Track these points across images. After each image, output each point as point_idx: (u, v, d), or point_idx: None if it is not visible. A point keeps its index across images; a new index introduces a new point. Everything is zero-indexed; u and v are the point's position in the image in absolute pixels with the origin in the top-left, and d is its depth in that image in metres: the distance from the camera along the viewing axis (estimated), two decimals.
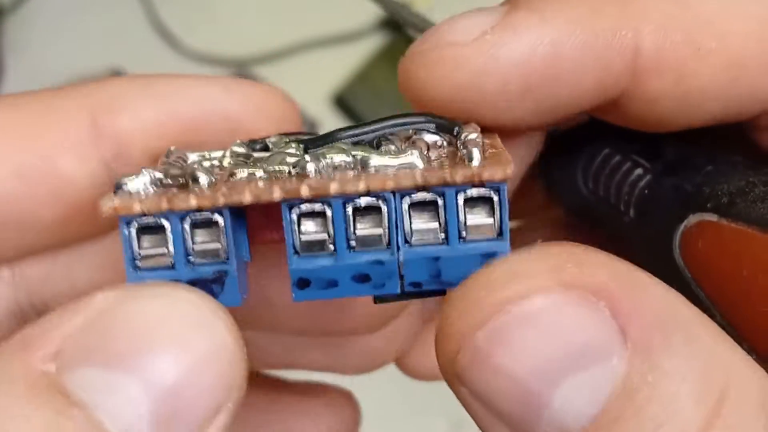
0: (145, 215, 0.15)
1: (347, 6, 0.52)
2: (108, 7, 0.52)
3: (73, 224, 0.18)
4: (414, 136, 0.17)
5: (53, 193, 0.17)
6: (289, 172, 0.16)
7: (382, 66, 0.51)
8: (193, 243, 0.15)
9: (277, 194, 0.15)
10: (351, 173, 0.16)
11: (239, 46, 0.50)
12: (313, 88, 0.50)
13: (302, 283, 0.16)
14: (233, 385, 0.14)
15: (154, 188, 0.15)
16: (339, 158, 0.16)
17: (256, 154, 0.17)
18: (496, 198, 0.15)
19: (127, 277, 0.15)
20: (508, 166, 0.15)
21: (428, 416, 0.44)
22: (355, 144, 0.17)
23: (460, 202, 0.15)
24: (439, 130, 0.17)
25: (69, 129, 0.17)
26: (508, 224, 0.15)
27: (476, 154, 0.15)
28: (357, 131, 0.17)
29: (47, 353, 0.13)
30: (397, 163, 0.16)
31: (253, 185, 0.15)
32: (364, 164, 0.16)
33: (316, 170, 0.16)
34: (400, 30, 0.51)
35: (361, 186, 0.15)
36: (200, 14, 0.52)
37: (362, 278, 0.16)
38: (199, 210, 0.15)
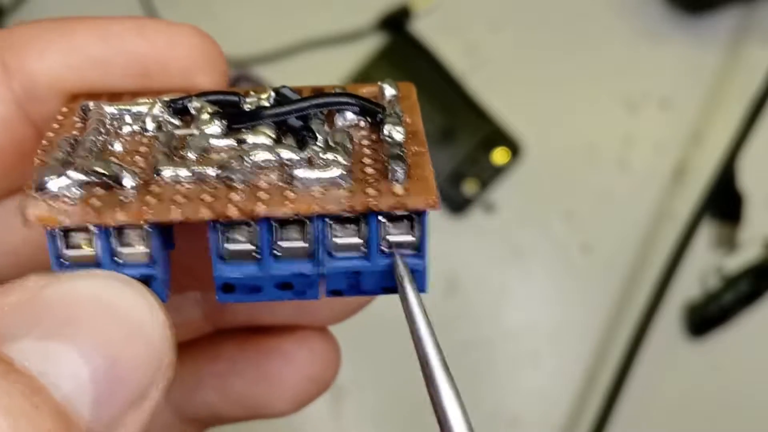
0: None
1: (347, 6, 0.52)
2: (108, 7, 0.52)
3: None
4: (336, 115, 0.17)
5: None
6: (217, 176, 0.16)
7: (382, 66, 0.51)
8: (120, 246, 0.15)
9: (205, 215, 0.15)
10: (275, 176, 0.16)
11: (239, 46, 0.50)
12: None
13: (227, 288, 0.16)
14: (165, 362, 0.14)
15: (78, 191, 0.15)
16: (262, 156, 0.16)
17: (177, 132, 0.17)
18: (417, 218, 0.16)
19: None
20: (432, 195, 0.15)
21: (428, 416, 0.44)
22: (279, 124, 0.17)
23: (382, 219, 0.16)
24: (362, 113, 0.17)
25: None
26: (427, 241, 0.16)
27: (400, 174, 0.16)
28: (281, 110, 0.17)
29: None
30: (325, 177, 0.16)
31: (181, 201, 0.15)
32: (290, 176, 0.16)
33: (242, 180, 0.16)
34: (400, 30, 0.51)
35: (288, 209, 0.15)
36: (200, 14, 0.52)
37: (285, 286, 0.16)
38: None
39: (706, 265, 0.47)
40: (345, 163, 0.16)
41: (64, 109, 0.18)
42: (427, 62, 0.51)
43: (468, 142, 0.49)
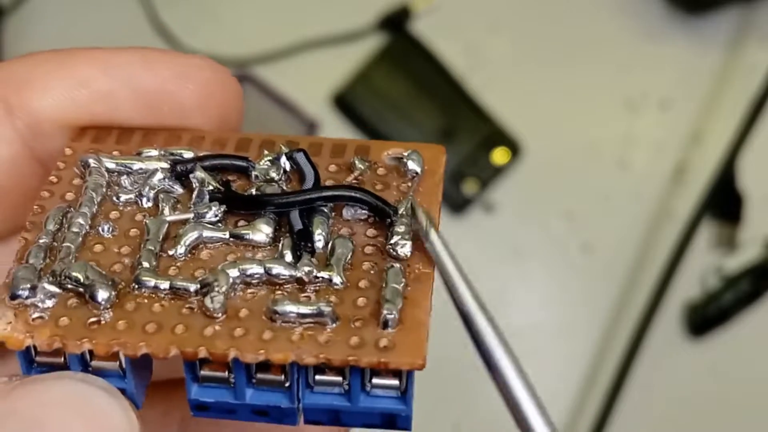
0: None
1: (347, 6, 0.52)
2: (108, 7, 0.52)
3: (1, 209, 0.17)
4: (345, 207, 0.17)
5: None
6: (196, 292, 0.15)
7: (382, 66, 0.51)
8: (91, 359, 0.15)
9: (173, 353, 0.14)
10: (260, 297, 0.15)
11: (239, 46, 0.50)
12: (313, 88, 0.50)
13: (200, 408, 0.15)
14: None
15: (51, 301, 0.15)
16: (251, 270, 0.15)
17: (170, 219, 0.16)
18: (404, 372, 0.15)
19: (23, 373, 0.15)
20: (419, 358, 0.14)
21: (427, 417, 0.44)
22: (280, 216, 0.16)
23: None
24: (371, 212, 0.17)
25: None
26: (413, 389, 0.15)
27: (391, 322, 0.15)
28: (286, 200, 0.16)
29: None
30: (310, 313, 0.15)
31: (152, 331, 0.15)
32: (273, 310, 0.15)
33: (221, 305, 0.15)
34: (400, 30, 0.51)
35: (261, 356, 0.14)
36: (200, 14, 0.52)
37: (261, 413, 0.15)
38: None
39: (706, 265, 0.47)
40: (337, 286, 0.15)
41: (68, 151, 0.17)
42: (427, 62, 0.51)
43: (468, 142, 0.49)
